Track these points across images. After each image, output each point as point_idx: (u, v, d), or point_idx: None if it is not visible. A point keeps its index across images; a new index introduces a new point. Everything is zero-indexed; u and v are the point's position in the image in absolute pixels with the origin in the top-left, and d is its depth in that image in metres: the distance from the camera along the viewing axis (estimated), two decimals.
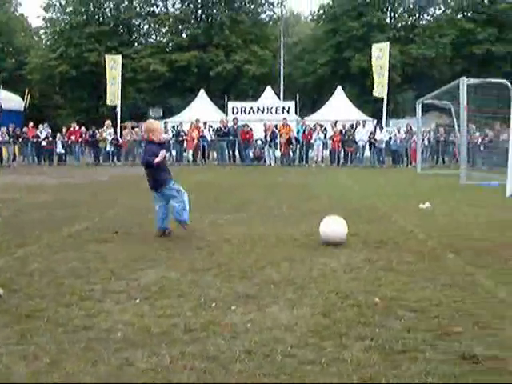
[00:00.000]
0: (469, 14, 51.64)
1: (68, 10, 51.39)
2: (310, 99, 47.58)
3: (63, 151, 28.48)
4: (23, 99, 36.67)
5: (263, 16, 54.39)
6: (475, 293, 4.25)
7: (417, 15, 52.25)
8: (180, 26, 51.93)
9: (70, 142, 28.61)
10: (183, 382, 2.79)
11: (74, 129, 28.97)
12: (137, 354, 3.12)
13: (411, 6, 45.35)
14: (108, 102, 33.72)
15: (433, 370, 2.86)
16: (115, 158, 27.39)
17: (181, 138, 27.42)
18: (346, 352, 3.12)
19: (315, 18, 56.05)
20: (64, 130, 29.05)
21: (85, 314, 3.83)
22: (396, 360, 3.01)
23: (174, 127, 29.02)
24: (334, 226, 6.29)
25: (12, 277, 4.83)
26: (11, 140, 27.49)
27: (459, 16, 52.36)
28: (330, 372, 2.88)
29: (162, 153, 6.79)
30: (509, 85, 15.33)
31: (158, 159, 6.69)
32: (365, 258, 5.49)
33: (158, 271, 4.98)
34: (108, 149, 27.24)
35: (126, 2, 52.09)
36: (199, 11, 52.26)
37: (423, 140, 25.90)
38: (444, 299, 4.07)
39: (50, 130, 29.01)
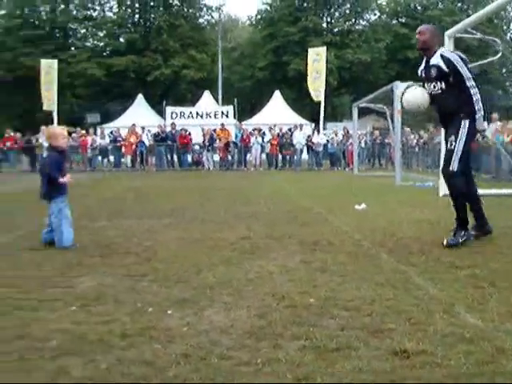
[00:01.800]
0: (403, 20, 52.94)
1: (2, 12, 50.25)
2: (249, 103, 47.82)
3: None
4: None
5: (201, 20, 54.36)
6: (407, 290, 4.36)
7: (353, 20, 53.15)
8: (117, 31, 51.39)
9: (5, 148, 27.98)
10: None
11: (10, 135, 28.39)
12: (72, 361, 3.09)
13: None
14: (44, 107, 33.13)
15: (365, 367, 2.92)
16: None
17: (118, 144, 27.17)
18: (280, 352, 3.15)
19: (253, 22, 56.36)
20: None
21: (19, 323, 3.75)
22: (330, 358, 3.06)
23: (111, 132, 28.72)
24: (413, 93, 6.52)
25: None
26: None
27: (394, 21, 53.60)
28: (265, 372, 2.91)
29: (67, 178, 6.59)
30: None
31: (62, 180, 6.52)
32: (300, 260, 5.56)
33: (94, 278, 4.93)
34: (45, 155, 26.71)
35: (63, 6, 51.24)
36: (137, 15, 51.89)
37: (360, 143, 26.37)
38: (377, 298, 4.16)
39: None
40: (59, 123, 31.79)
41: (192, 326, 3.64)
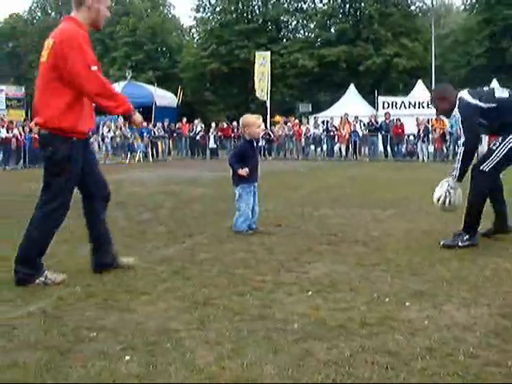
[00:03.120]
0: None
1: (218, 9, 52.87)
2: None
3: (215, 146, 29.37)
4: (176, 96, 38.16)
5: (413, 8, 53.09)
6: None
7: None
8: (328, 21, 51.76)
9: (221, 137, 29.50)
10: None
11: (223, 126, 29.89)
12: (316, 345, 3.15)
13: None
14: (258, 97, 34.41)
15: None
16: (266, 152, 27.76)
17: (332, 133, 27.47)
18: None
19: (467, 7, 53.87)
20: (213, 125, 29.93)
21: (259, 303, 3.91)
22: None
23: (323, 122, 29.08)
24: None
25: (184, 265, 5.03)
26: (166, 135, 28.76)
27: None
28: None
29: (245, 171, 6.62)
30: None
31: (241, 172, 6.61)
32: None
33: (326, 265, 5.01)
34: (260, 144, 27.72)
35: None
36: (347, 5, 51.79)
37: None
38: None
39: (203, 125, 30.05)
40: (271, 113, 32.88)
41: (432, 319, 3.56)
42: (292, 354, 3.04)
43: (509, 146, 5.65)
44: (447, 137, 25.82)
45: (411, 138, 26.64)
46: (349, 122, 27.05)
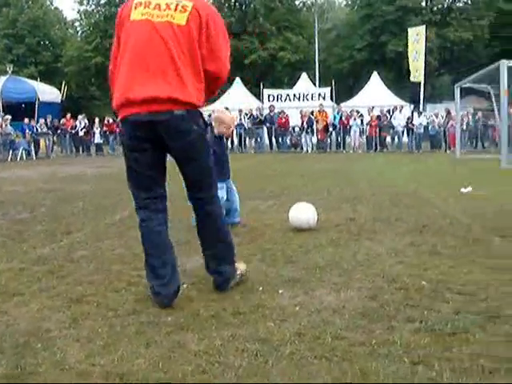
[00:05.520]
0: None
1: (102, 1, 51.79)
2: (346, 85, 47.30)
3: (101, 141, 28.83)
4: (60, 91, 37.08)
5: (297, 2, 54.15)
6: None
7: None
8: None
9: (106, 132, 28.98)
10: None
11: (108, 121, 29.38)
12: (188, 336, 3.17)
13: None
14: None
15: (485, 352, 2.85)
16: None
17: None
18: (395, 334, 3.12)
19: (349, 3, 55.62)
20: (97, 120, 29.37)
21: (134, 298, 3.88)
22: (446, 341, 3.00)
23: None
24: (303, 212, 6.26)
25: (60, 263, 4.92)
26: (49, 131, 27.94)
27: None
28: (381, 353, 2.88)
29: None
30: None
31: None
32: (409, 243, 5.47)
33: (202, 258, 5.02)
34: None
35: None
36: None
37: (462, 124, 25.55)
38: (492, 282, 4.03)
39: (87, 121, 29.40)
40: None
41: (303, 305, 3.65)
42: (164, 347, 3.03)
43: None
44: (330, 128, 26.57)
45: (296, 129, 27.23)
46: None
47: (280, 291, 3.96)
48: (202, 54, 3.73)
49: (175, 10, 3.68)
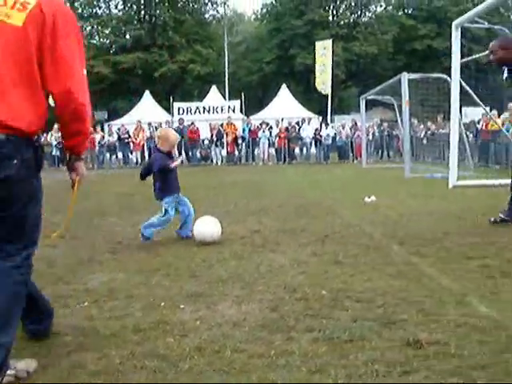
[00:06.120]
0: (409, 11, 52.75)
1: None
2: (256, 98, 47.77)
3: None
4: None
5: (207, 16, 54.35)
6: (419, 281, 4.35)
7: (359, 12, 53.01)
8: (123, 28, 51.32)
9: None
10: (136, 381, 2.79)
11: None
12: (87, 356, 3.11)
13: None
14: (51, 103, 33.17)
15: (379, 358, 2.92)
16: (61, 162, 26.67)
17: (126, 140, 27.21)
18: (294, 344, 3.16)
19: (259, 16, 56.39)
20: None
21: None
22: (343, 350, 3.06)
23: (118, 129, 28.72)
24: (207, 226, 6.32)
25: None
26: None
27: (400, 13, 53.41)
28: (279, 364, 2.91)
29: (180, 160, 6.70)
30: (448, 79, 15.63)
31: (176, 163, 6.67)
32: (312, 253, 5.57)
33: (105, 274, 4.95)
34: (54, 153, 26.51)
35: (68, 4, 51.23)
36: (142, 12, 51.76)
37: (368, 135, 26.26)
38: (389, 289, 4.16)
39: None
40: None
41: (204, 319, 3.65)
42: (62, 368, 2.96)
43: None
44: (239, 141, 26.75)
45: (205, 142, 27.26)
46: (143, 129, 26.98)
47: (182, 306, 3.94)
48: (44, 69, 2.78)
49: (12, 6, 2.78)
